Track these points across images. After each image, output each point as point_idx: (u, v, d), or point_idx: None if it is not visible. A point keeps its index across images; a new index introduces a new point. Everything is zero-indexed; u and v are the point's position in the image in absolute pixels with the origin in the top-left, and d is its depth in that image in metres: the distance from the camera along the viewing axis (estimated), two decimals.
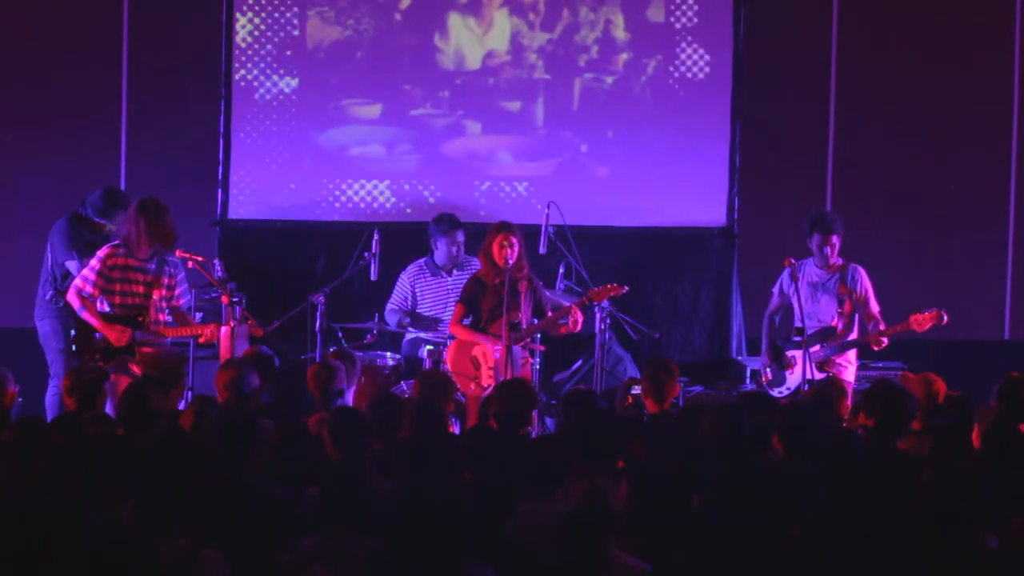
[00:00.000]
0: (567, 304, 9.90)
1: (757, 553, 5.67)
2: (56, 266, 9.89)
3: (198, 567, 5.32)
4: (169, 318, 9.30)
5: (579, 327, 9.78)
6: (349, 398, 8.40)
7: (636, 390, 8.46)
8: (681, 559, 5.71)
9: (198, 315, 9.77)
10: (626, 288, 9.83)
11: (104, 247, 9.32)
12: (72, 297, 9.21)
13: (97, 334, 9.12)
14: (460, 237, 10.54)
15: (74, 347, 9.21)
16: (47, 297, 9.87)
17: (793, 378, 10.00)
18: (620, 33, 11.79)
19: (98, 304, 9.14)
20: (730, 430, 6.86)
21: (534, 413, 9.33)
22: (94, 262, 9.22)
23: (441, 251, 10.58)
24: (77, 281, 9.24)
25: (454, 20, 11.71)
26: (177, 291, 9.36)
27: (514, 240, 9.78)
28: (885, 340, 9.90)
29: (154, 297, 9.25)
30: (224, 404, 7.45)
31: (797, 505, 5.98)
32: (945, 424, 7.40)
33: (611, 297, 9.81)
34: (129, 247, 9.22)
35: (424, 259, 10.67)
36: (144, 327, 9.15)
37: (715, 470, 6.43)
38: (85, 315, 9.13)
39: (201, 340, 9.22)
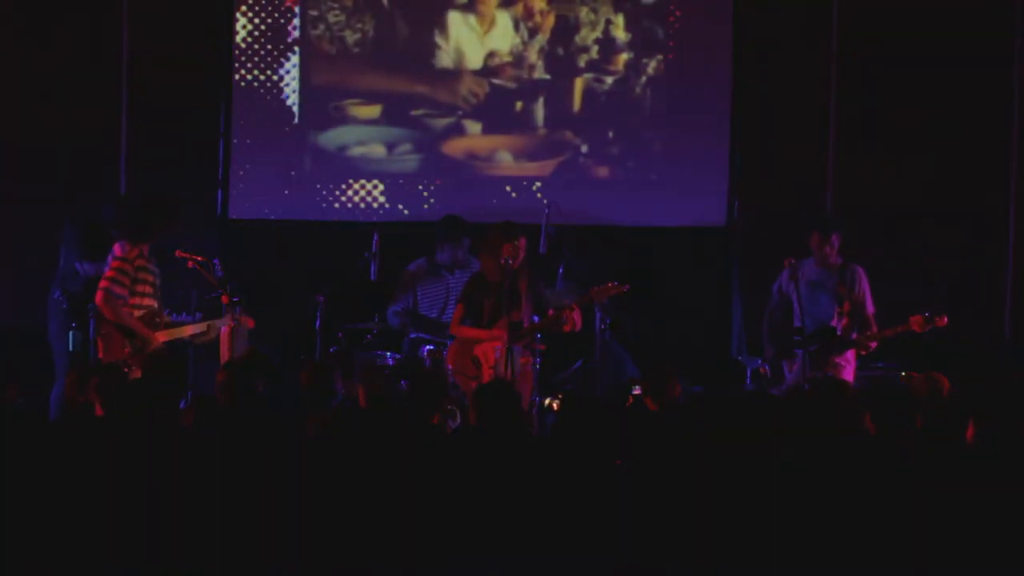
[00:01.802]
0: (569, 302, 9.89)
1: (757, 553, 5.68)
2: (67, 267, 9.87)
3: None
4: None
5: (579, 327, 9.78)
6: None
7: (636, 390, 8.46)
8: (681, 558, 5.72)
9: (198, 315, 9.76)
10: (626, 287, 9.82)
11: (118, 247, 9.03)
12: (103, 304, 8.85)
13: (127, 340, 8.92)
14: (466, 242, 10.55)
15: (99, 356, 8.96)
16: (54, 296, 9.86)
17: (792, 377, 10.01)
18: (620, 33, 11.80)
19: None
20: (731, 430, 6.85)
21: (533, 413, 9.35)
22: (118, 263, 8.94)
23: (446, 254, 10.58)
24: (105, 285, 8.88)
25: (454, 19, 11.72)
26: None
27: (520, 241, 9.76)
28: (873, 344, 9.95)
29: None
30: (224, 406, 7.44)
31: (797, 504, 5.98)
32: (946, 424, 7.39)
33: (611, 296, 9.81)
34: (140, 245, 9.10)
35: (423, 259, 10.67)
36: (161, 328, 9.08)
37: (715, 469, 6.43)
38: (124, 320, 8.81)
39: (207, 337, 9.14)
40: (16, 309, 11.08)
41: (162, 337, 8.99)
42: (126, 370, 8.60)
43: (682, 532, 5.88)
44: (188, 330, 9.21)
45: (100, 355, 8.91)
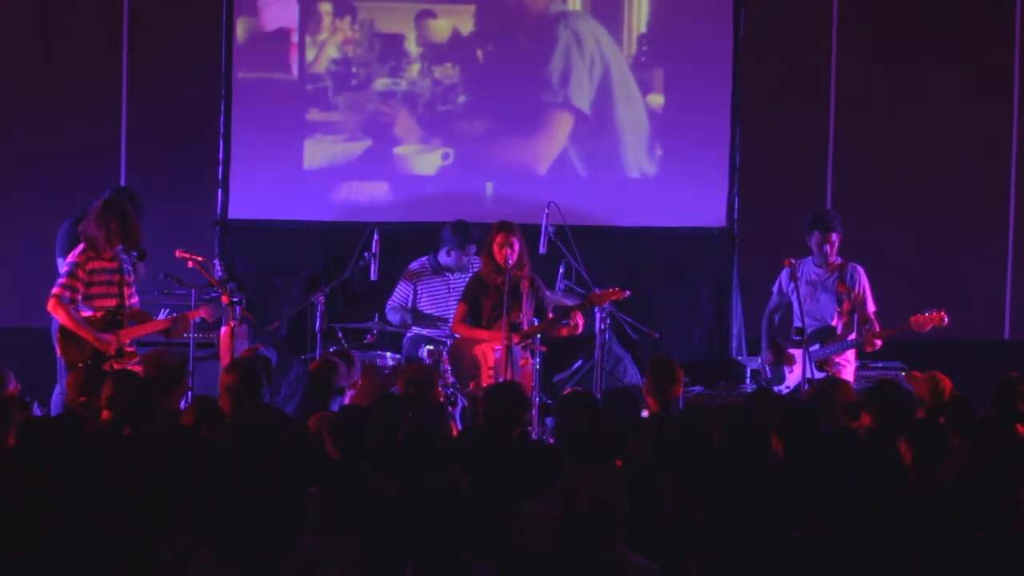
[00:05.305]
0: (569, 304, 9.89)
1: (757, 554, 5.67)
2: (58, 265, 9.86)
3: (191, 568, 5.32)
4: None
5: (580, 330, 9.78)
6: (347, 398, 8.39)
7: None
8: (681, 559, 5.71)
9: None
10: (628, 292, 9.82)
11: (73, 253, 9.05)
12: (55, 309, 8.89)
13: (84, 342, 8.91)
14: (472, 249, 10.52)
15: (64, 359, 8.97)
16: None
17: (793, 377, 10.02)
18: (621, 34, 11.79)
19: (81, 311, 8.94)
20: (735, 430, 6.85)
21: (533, 414, 9.35)
22: (68, 268, 8.94)
23: (451, 258, 10.55)
24: (56, 291, 8.90)
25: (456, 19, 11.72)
26: (134, 289, 9.25)
27: (514, 240, 9.77)
28: (879, 343, 9.94)
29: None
30: (229, 407, 7.43)
31: (798, 505, 5.98)
32: (945, 423, 7.39)
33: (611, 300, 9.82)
34: (97, 249, 9.00)
35: (427, 257, 10.66)
36: (124, 327, 9.03)
37: (716, 470, 6.42)
38: (73, 326, 8.85)
39: (177, 331, 9.14)
40: (16, 309, 11.08)
41: (125, 338, 8.97)
42: (106, 368, 8.65)
43: (681, 532, 5.88)
44: (148, 328, 9.15)
45: (60, 355, 8.95)
